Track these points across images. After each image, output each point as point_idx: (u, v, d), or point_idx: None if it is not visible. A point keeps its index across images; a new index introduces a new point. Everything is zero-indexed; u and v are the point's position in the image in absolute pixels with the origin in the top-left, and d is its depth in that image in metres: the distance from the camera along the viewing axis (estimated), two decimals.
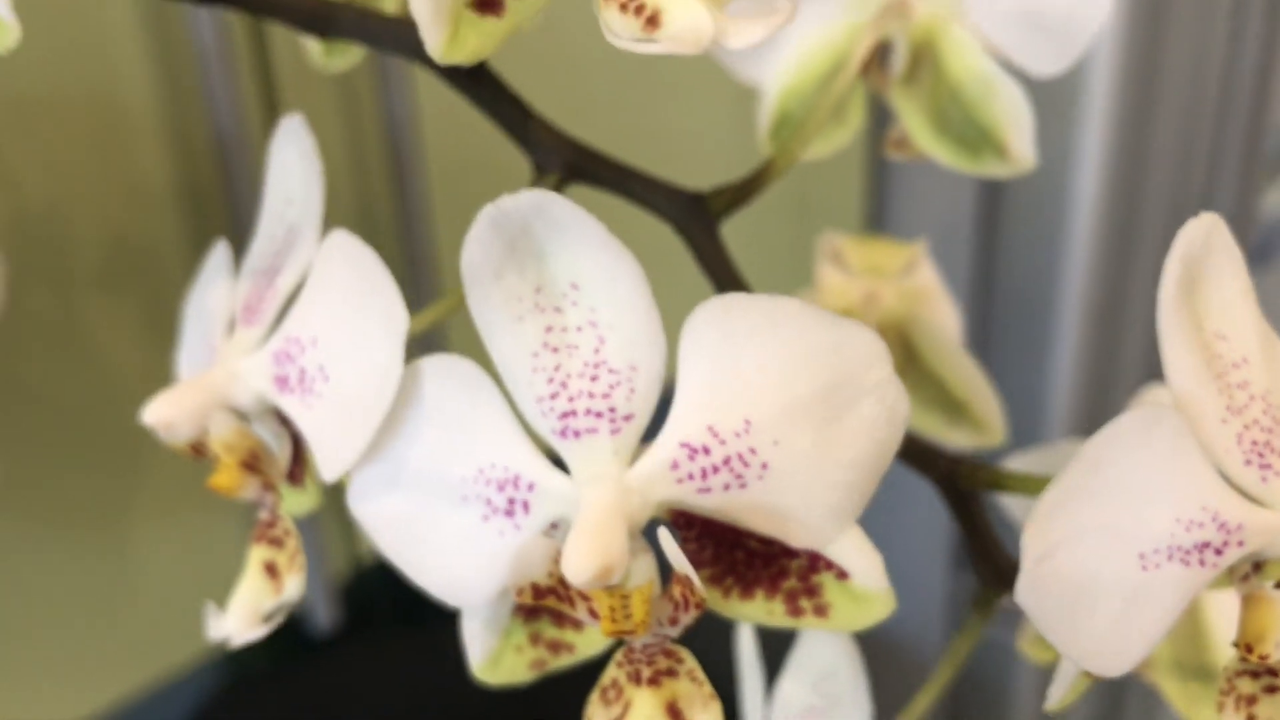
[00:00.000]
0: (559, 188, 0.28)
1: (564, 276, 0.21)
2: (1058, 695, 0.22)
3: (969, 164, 0.30)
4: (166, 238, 0.69)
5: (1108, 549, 0.20)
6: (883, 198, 1.00)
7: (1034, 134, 0.29)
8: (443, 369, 0.22)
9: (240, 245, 0.75)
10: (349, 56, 0.36)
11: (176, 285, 0.74)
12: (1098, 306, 0.98)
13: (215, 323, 0.26)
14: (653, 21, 0.20)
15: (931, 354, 0.33)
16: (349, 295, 0.23)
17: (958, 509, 0.28)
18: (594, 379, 0.21)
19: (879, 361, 0.20)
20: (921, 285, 0.34)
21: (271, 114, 0.71)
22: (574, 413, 0.21)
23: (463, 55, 0.21)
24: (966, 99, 0.29)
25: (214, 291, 0.27)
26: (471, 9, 0.21)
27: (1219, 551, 0.20)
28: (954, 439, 0.33)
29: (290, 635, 0.89)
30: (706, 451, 0.20)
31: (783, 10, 0.20)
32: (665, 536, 0.20)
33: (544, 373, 0.21)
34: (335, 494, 0.79)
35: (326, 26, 0.27)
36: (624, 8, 0.20)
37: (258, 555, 0.25)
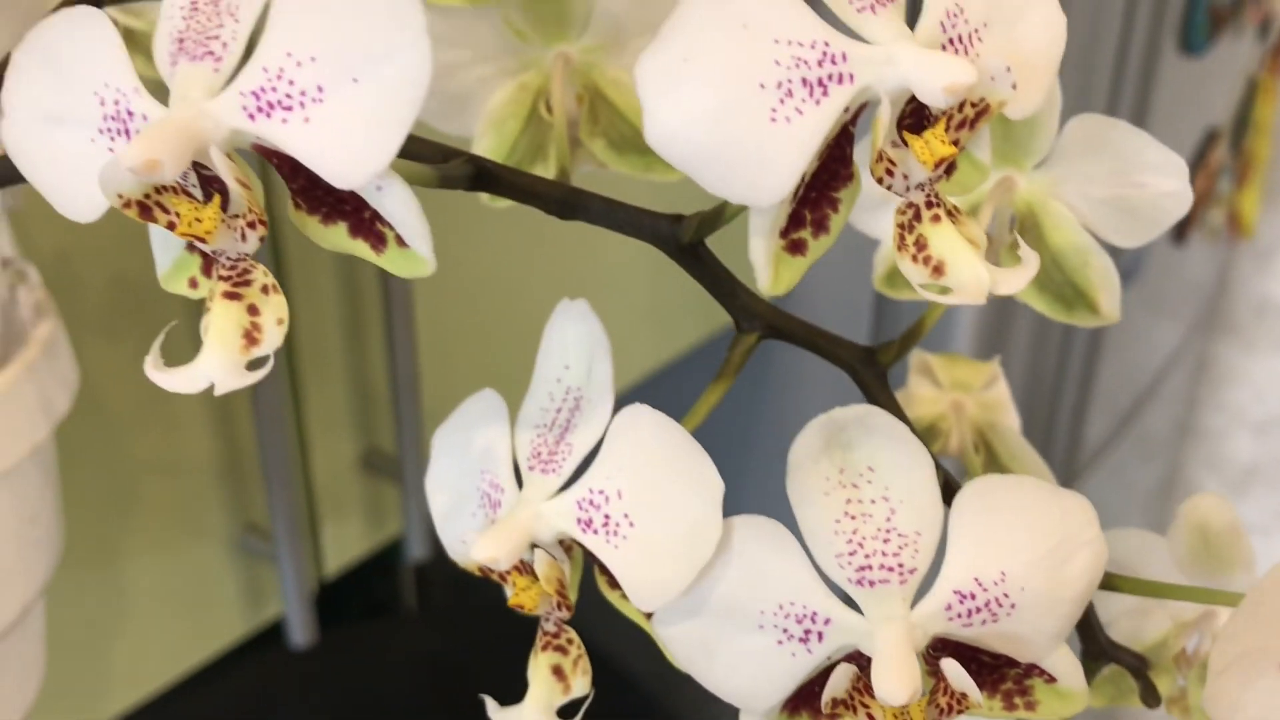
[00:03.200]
0: (756, 344, 0.34)
1: (863, 461, 0.27)
2: None
3: (1063, 315, 0.37)
4: None
5: (1259, 665, 0.27)
6: None
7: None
8: (752, 525, 0.28)
9: None
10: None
11: (174, 328, 0.77)
12: None
13: (494, 462, 0.31)
14: (938, 270, 0.26)
15: (1008, 457, 0.41)
16: (657, 460, 0.28)
17: None
18: (886, 541, 0.27)
19: (1091, 522, 0.27)
20: (998, 397, 0.41)
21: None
22: (869, 567, 0.27)
23: (780, 289, 0.27)
24: (1067, 266, 0.36)
25: (487, 432, 0.32)
26: (785, 251, 0.27)
27: None
28: None
29: (271, 650, 0.92)
30: (973, 597, 0.27)
31: (1033, 262, 0.27)
32: (954, 666, 0.26)
33: (844, 535, 0.27)
34: (294, 517, 0.82)
35: (574, 211, 0.33)
36: (914, 259, 0.26)
37: (545, 661, 0.30)
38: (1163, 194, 0.35)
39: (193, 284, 0.28)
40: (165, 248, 0.28)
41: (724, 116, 0.25)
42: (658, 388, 1.11)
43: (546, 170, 0.40)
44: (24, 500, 0.50)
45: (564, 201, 0.33)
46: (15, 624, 0.51)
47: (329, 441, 0.86)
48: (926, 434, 0.40)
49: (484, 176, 0.32)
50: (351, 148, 0.24)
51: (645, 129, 0.25)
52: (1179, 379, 1.68)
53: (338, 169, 0.24)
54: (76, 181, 0.26)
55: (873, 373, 0.34)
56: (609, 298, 1.02)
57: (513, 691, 0.31)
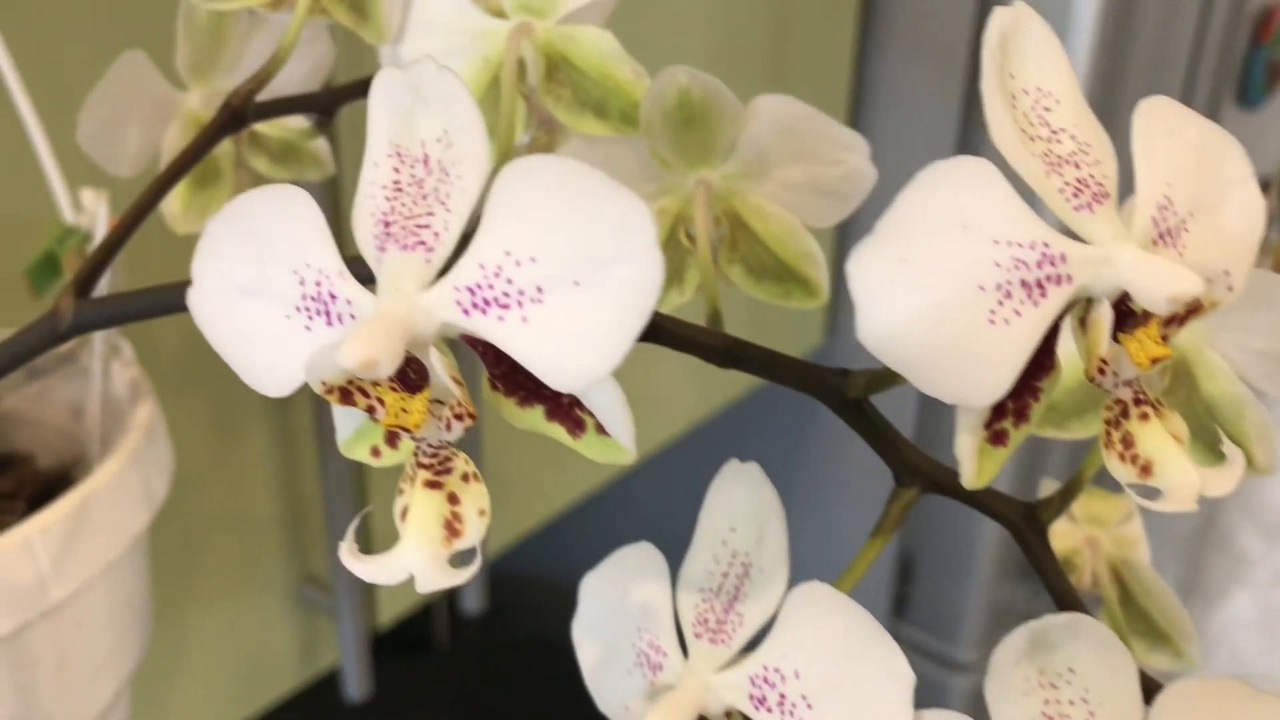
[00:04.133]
0: (917, 498, 0.34)
1: (1064, 662, 0.26)
2: None
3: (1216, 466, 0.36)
4: None
5: None
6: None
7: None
8: (943, 717, 0.27)
9: None
10: None
11: (243, 386, 0.77)
12: None
13: (654, 622, 0.31)
14: (1146, 470, 0.26)
15: (1141, 593, 0.40)
16: (841, 645, 0.28)
17: None
18: None
19: None
20: (1132, 533, 0.40)
21: (339, 218, 0.73)
22: None
23: (982, 482, 0.26)
24: (1222, 417, 0.36)
25: (646, 588, 0.31)
26: (987, 442, 0.26)
27: None
28: (1154, 662, 0.40)
29: (326, 703, 0.92)
30: None
31: (1239, 460, 0.26)
32: None
33: None
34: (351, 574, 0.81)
35: (736, 361, 0.32)
36: (1122, 457, 0.26)
37: None
38: None
39: (375, 453, 0.27)
40: (347, 415, 0.28)
41: (943, 320, 0.24)
42: (700, 440, 1.11)
43: (681, 295, 0.39)
44: (122, 587, 0.50)
45: (726, 351, 0.32)
46: (110, 708, 0.51)
47: (390, 492, 0.86)
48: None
49: (648, 328, 0.31)
50: (571, 352, 0.23)
51: (858, 327, 0.24)
52: None
53: (555, 373, 0.23)
54: (267, 354, 0.26)
55: (1033, 530, 0.34)
56: (651, 349, 1.02)
57: None
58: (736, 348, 0.32)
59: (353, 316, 0.25)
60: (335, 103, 0.39)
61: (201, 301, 0.27)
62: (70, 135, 0.43)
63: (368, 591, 0.89)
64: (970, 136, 1.03)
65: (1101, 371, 0.26)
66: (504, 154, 0.35)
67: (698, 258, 0.38)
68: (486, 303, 0.24)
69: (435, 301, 0.24)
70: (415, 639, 1.24)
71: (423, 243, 0.24)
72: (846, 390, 0.32)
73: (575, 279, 0.23)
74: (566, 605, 0.33)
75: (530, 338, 0.23)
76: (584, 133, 0.37)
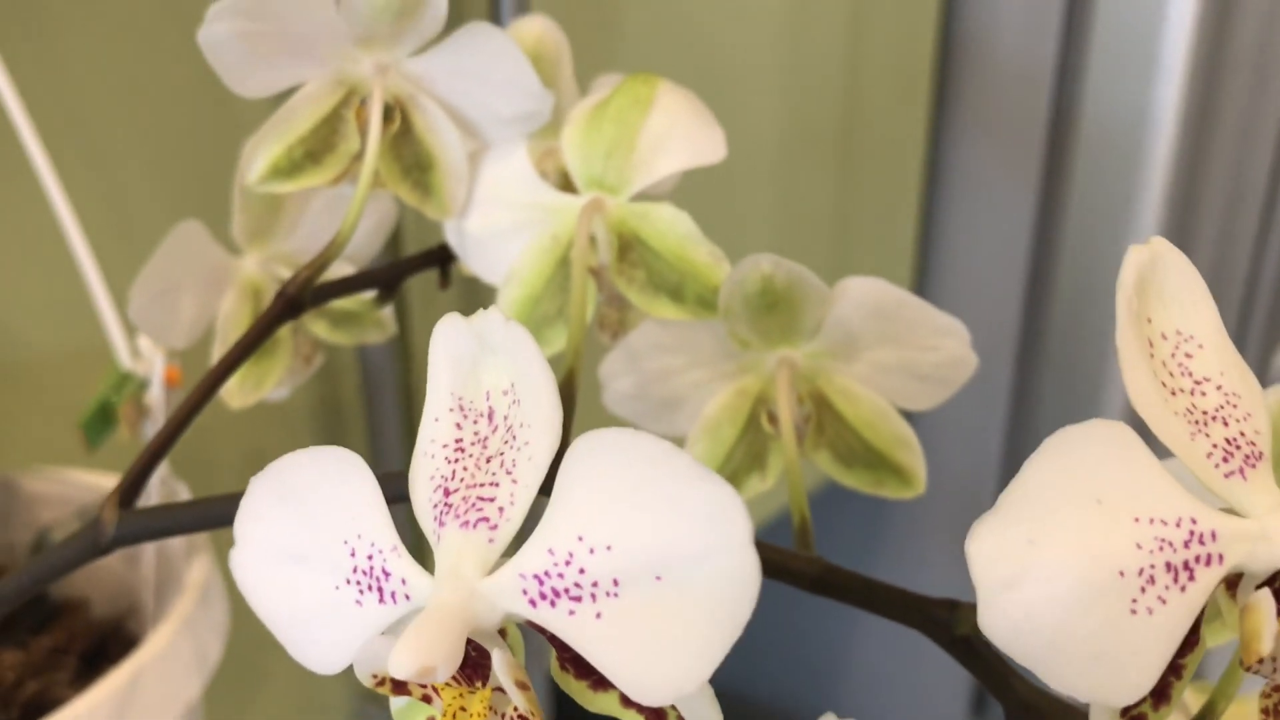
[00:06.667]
0: None
1: None
2: None
3: None
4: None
5: None
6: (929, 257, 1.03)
7: None
8: None
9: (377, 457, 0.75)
10: None
11: None
12: None
13: None
14: None
15: None
16: None
17: None
18: None
19: None
20: None
21: (407, 356, 0.72)
22: None
23: None
24: None
25: None
26: None
27: None
28: None
29: None
30: None
31: None
32: None
33: None
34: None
35: (829, 589, 0.29)
36: None
37: None
38: None
39: None
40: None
41: (1077, 611, 0.21)
42: (770, 535, 1.07)
43: (763, 482, 0.37)
44: None
45: (818, 579, 0.30)
46: None
47: None
48: None
49: None
50: (652, 661, 0.20)
51: (981, 618, 0.21)
52: None
53: (633, 683, 0.21)
54: (314, 626, 0.24)
55: None
56: None
57: None
58: (829, 574, 0.30)
59: (407, 597, 0.22)
60: (398, 278, 0.37)
61: (244, 565, 0.24)
62: (131, 282, 0.42)
63: None
64: (1047, 220, 1.00)
65: (1260, 660, 0.22)
66: (576, 340, 0.33)
67: (781, 444, 0.35)
68: (556, 594, 0.21)
69: (499, 590, 0.21)
70: None
71: (485, 519, 0.22)
72: (955, 626, 0.29)
73: (657, 573, 0.20)
74: None
75: (605, 638, 0.21)
76: (656, 313, 0.34)
